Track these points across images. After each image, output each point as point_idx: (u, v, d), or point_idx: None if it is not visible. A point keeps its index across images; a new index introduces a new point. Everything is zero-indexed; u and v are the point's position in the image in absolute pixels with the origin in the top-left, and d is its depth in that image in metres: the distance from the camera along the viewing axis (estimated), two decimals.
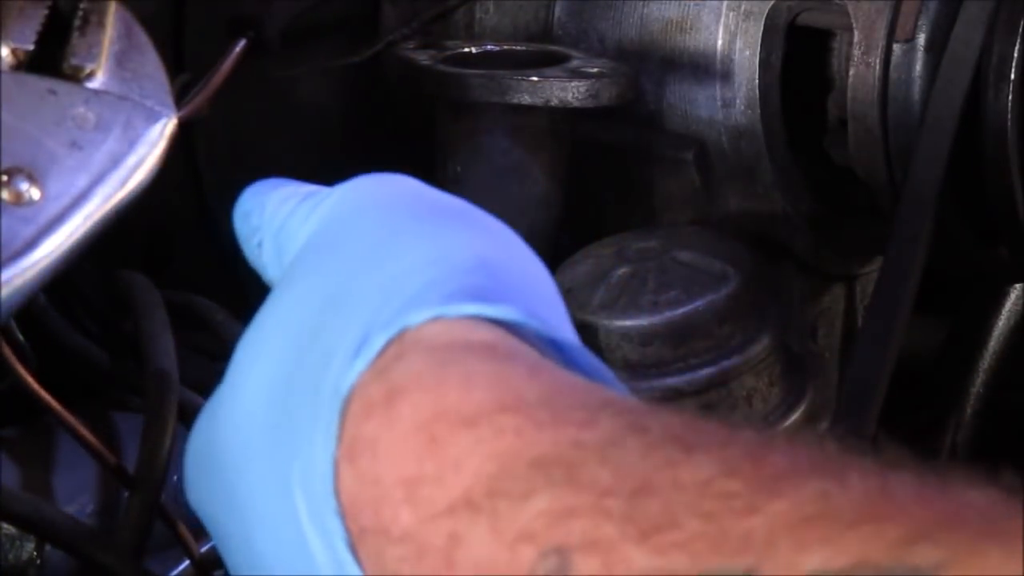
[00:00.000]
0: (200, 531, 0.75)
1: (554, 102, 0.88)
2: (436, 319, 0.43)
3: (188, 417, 0.69)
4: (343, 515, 0.42)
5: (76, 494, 0.72)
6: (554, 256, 0.89)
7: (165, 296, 0.73)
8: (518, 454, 0.39)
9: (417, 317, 0.43)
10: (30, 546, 0.70)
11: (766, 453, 0.36)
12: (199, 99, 0.64)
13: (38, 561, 0.70)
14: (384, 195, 0.52)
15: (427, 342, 0.43)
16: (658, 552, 0.35)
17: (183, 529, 0.68)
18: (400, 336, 0.43)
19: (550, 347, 0.45)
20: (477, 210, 0.51)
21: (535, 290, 0.48)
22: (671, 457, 0.37)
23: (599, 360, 0.46)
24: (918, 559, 0.31)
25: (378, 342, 0.43)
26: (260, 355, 0.47)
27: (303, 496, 0.43)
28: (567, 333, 0.46)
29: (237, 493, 0.47)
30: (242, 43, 0.65)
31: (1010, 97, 0.88)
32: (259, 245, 0.55)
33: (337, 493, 0.42)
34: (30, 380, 0.63)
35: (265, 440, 0.45)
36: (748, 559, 0.33)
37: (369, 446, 0.42)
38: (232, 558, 0.48)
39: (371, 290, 0.45)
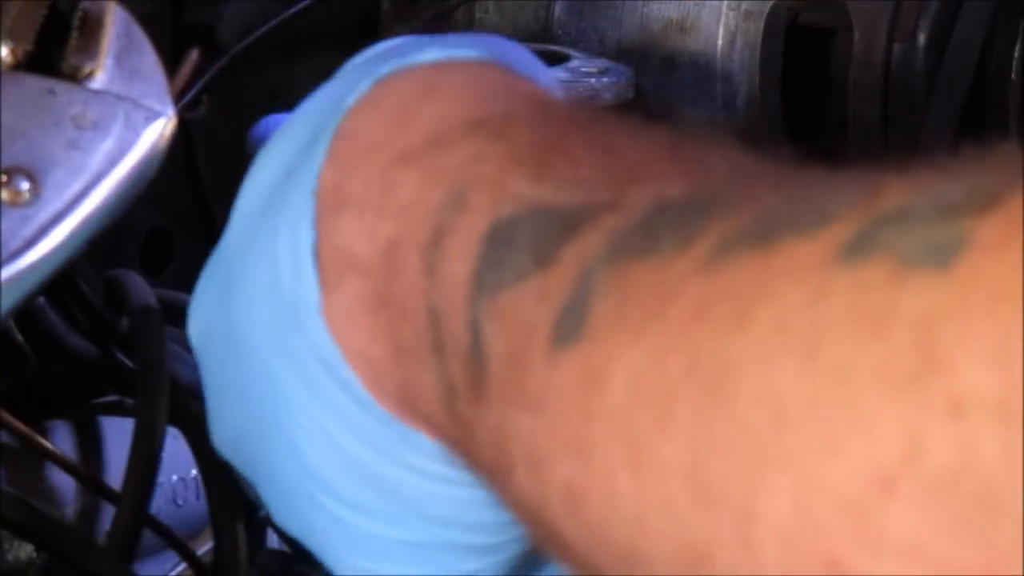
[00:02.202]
0: (196, 534, 0.75)
1: None
2: (440, 60, 0.45)
3: (180, 419, 0.69)
4: (316, 216, 0.43)
5: (71, 498, 0.72)
6: None
7: (160, 295, 0.73)
8: (464, 116, 0.42)
9: (421, 56, 0.45)
10: (29, 546, 0.70)
11: (673, 134, 0.40)
12: None
13: (38, 562, 0.70)
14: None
15: (420, 69, 0.45)
16: (542, 186, 0.38)
17: (174, 534, 0.68)
18: (403, 68, 0.45)
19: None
20: None
21: (514, 51, 0.49)
22: (592, 126, 0.41)
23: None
24: (754, 192, 0.33)
25: (380, 72, 0.45)
26: (267, 162, 0.48)
27: (286, 227, 0.44)
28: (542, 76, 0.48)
29: (232, 280, 0.46)
30: (195, 52, 0.65)
31: (1011, 97, 0.87)
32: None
33: (316, 193, 0.43)
34: None
35: (266, 206, 0.46)
36: (617, 192, 0.36)
37: (349, 134, 0.44)
38: (213, 365, 0.48)
39: (380, 55, 0.47)
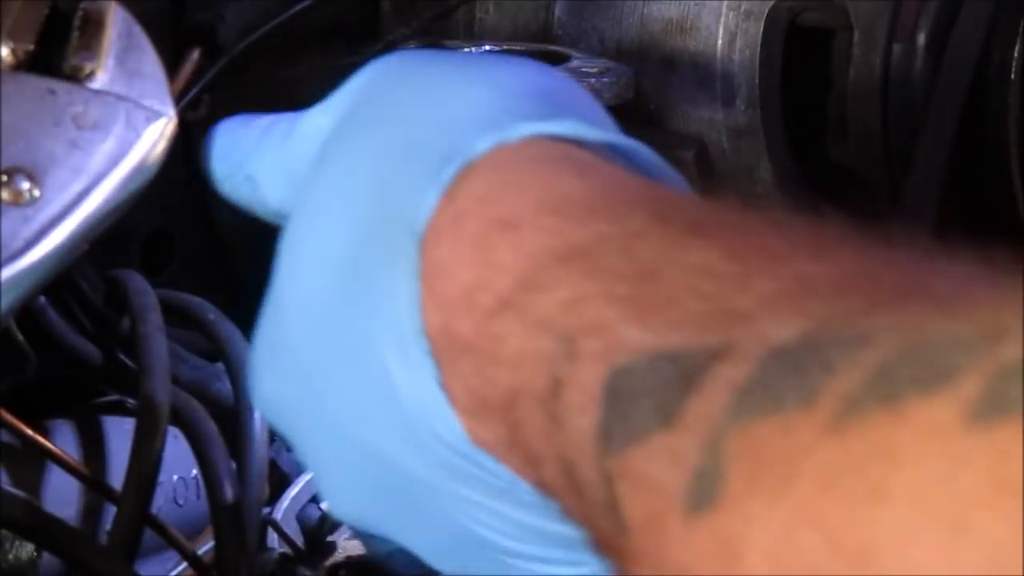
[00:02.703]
0: (196, 533, 0.75)
1: None
2: (499, 144, 0.44)
3: (180, 419, 0.69)
4: (431, 351, 0.43)
5: (72, 497, 0.72)
6: None
7: (160, 295, 0.73)
8: (549, 250, 0.41)
9: (480, 146, 0.44)
10: (30, 546, 0.70)
11: (772, 235, 0.38)
12: None
13: (38, 561, 0.70)
14: (412, 61, 0.51)
15: (490, 165, 0.44)
16: (652, 331, 0.37)
17: (175, 532, 0.68)
18: (466, 167, 0.44)
19: (615, 154, 0.46)
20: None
21: (587, 106, 0.48)
22: (683, 243, 0.39)
23: (663, 160, 0.47)
24: (869, 324, 0.32)
25: (446, 175, 0.44)
26: (314, 231, 0.47)
27: (391, 344, 0.43)
28: (626, 139, 0.47)
29: (311, 373, 0.47)
30: (196, 53, 0.65)
31: (1011, 97, 0.87)
32: (248, 178, 0.53)
33: (424, 330, 0.43)
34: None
35: (336, 306, 0.46)
36: (728, 333, 0.35)
37: (440, 270, 0.43)
38: (307, 446, 0.48)
39: (434, 134, 0.46)
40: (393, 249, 0.44)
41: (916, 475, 0.29)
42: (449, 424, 0.43)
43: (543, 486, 0.41)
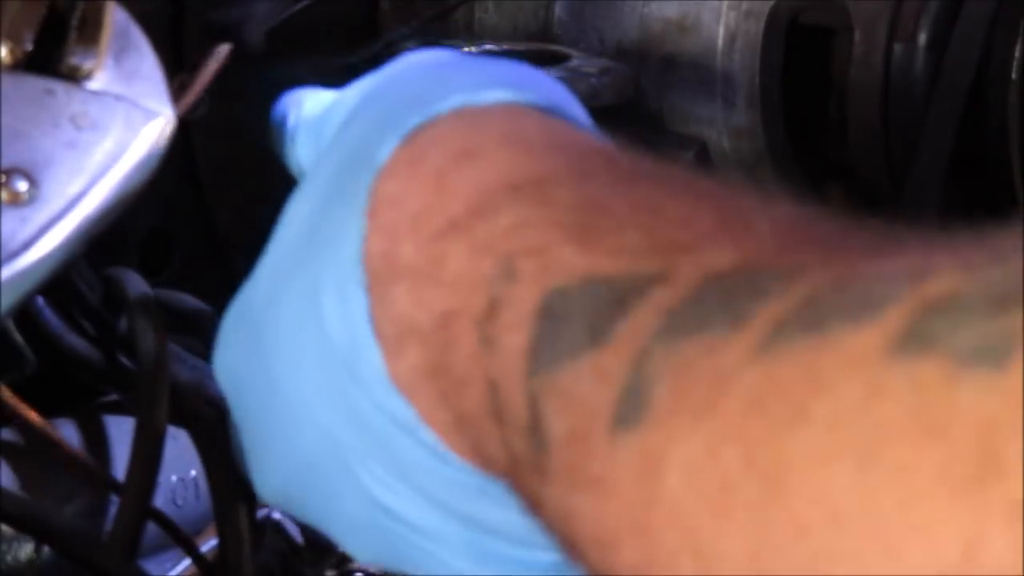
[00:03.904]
0: (199, 530, 0.75)
1: None
2: (465, 104, 0.45)
3: (182, 418, 0.69)
4: (366, 284, 0.43)
5: (74, 494, 0.72)
6: None
7: (158, 295, 0.73)
8: (504, 179, 0.42)
9: (445, 104, 0.45)
10: (29, 546, 0.70)
11: (721, 189, 0.39)
12: (179, 106, 0.64)
13: (37, 562, 0.70)
14: (427, 56, 0.53)
15: (455, 116, 0.45)
16: (590, 255, 0.38)
17: (180, 529, 0.68)
18: (430, 120, 0.45)
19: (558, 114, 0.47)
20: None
21: (561, 92, 0.49)
22: (633, 183, 0.40)
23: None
24: (803, 259, 0.33)
25: (409, 124, 0.45)
26: (295, 200, 0.48)
27: (329, 280, 0.44)
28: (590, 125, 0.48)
29: (262, 329, 0.47)
30: (225, 48, 0.65)
31: (1012, 97, 0.87)
32: (293, 140, 0.56)
33: (364, 260, 0.43)
34: (5, 391, 0.64)
35: (296, 259, 0.46)
36: (665, 261, 0.36)
37: (391, 200, 0.43)
38: (245, 416, 0.49)
39: (410, 103, 0.47)
40: (350, 192, 0.44)
41: (835, 402, 0.29)
42: (369, 358, 0.43)
43: (460, 418, 0.42)
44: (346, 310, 0.43)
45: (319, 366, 0.44)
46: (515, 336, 0.39)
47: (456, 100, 0.45)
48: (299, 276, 0.45)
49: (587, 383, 0.36)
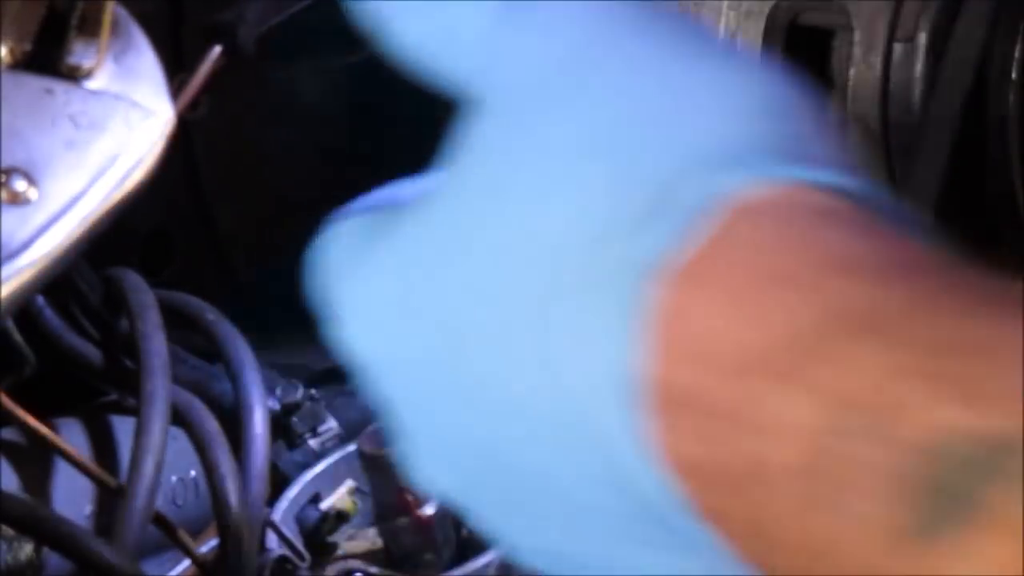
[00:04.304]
0: (199, 530, 0.75)
1: None
2: (751, 184, 0.39)
3: (182, 419, 0.69)
4: (639, 400, 0.39)
5: (75, 495, 0.72)
6: None
7: (159, 296, 0.73)
8: (835, 313, 0.37)
9: (727, 184, 0.39)
10: (29, 547, 0.70)
11: None
12: (177, 105, 0.64)
13: (37, 562, 0.70)
14: (625, 21, 0.42)
15: (748, 209, 0.39)
16: (972, 408, 0.33)
17: (179, 530, 0.68)
18: (715, 201, 0.39)
19: (865, 204, 0.41)
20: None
21: (823, 137, 0.43)
22: (985, 317, 0.35)
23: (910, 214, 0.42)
24: None
25: (685, 207, 0.39)
26: (535, 184, 0.39)
27: (586, 374, 0.38)
28: (873, 189, 0.42)
29: (466, 334, 0.41)
30: (217, 50, 0.65)
31: (1012, 97, 0.87)
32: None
33: (635, 374, 0.38)
34: (5, 399, 0.64)
35: (516, 292, 0.39)
36: None
37: (679, 317, 0.38)
38: (420, 410, 0.43)
39: (662, 152, 0.40)
40: (611, 278, 0.39)
41: None
42: (652, 477, 0.39)
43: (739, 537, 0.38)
44: (617, 420, 0.40)
45: (551, 425, 0.41)
46: (875, 504, 0.34)
47: (738, 179, 0.39)
48: (526, 328, 0.40)
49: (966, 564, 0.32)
